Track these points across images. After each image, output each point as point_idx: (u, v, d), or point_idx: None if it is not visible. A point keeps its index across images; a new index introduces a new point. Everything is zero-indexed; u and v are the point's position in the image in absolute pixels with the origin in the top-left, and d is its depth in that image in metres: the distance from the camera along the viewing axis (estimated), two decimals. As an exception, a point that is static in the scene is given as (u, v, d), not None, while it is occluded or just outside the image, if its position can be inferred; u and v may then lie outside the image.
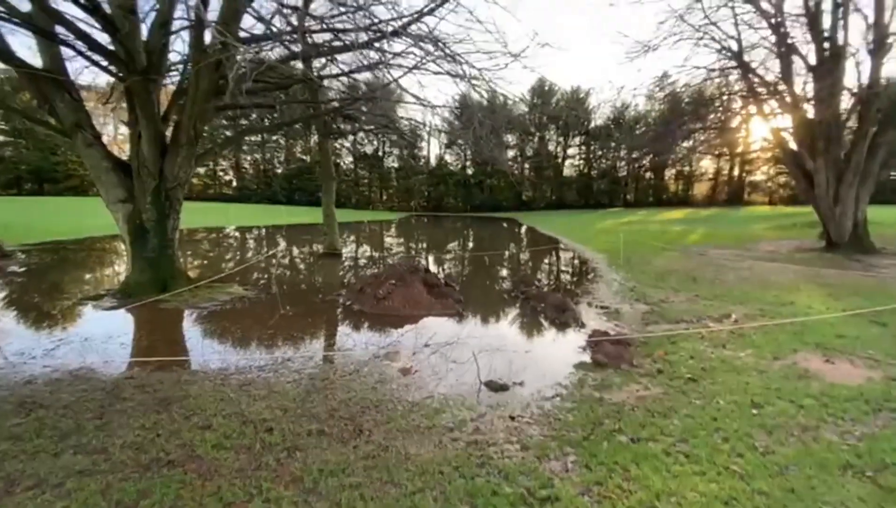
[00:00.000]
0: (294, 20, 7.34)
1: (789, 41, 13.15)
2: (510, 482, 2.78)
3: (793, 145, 14.04)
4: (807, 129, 13.19)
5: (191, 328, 6.44)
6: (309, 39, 7.38)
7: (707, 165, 49.17)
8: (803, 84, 13.67)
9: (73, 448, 3.11)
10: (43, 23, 6.90)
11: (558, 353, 5.41)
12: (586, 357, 5.08)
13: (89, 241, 16.18)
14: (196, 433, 3.33)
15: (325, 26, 7.53)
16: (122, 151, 8.65)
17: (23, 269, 10.75)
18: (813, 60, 12.98)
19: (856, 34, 15.59)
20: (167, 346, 5.61)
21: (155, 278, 7.76)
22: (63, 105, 7.39)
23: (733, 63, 14.46)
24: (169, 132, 8.13)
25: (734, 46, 14.15)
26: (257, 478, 2.78)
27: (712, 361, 4.87)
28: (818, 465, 2.94)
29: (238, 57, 5.76)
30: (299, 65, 10.13)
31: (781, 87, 13.78)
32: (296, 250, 16.51)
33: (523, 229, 28.32)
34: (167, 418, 3.56)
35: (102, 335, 5.85)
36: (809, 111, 13.34)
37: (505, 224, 33.50)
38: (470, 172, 52.46)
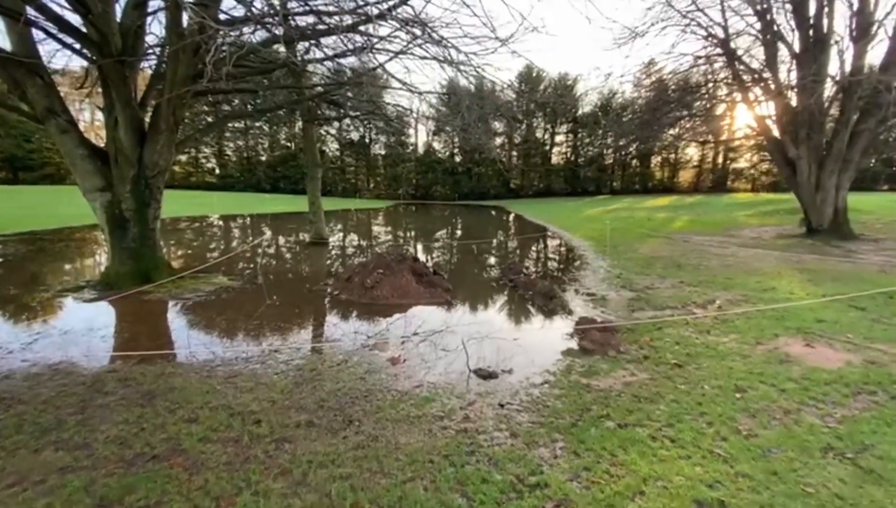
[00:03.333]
0: (276, 1, 7.12)
1: (775, 28, 13.22)
2: (500, 469, 2.80)
3: (776, 133, 14.22)
4: (790, 117, 13.35)
5: (175, 320, 6.33)
6: (292, 22, 7.17)
7: (692, 152, 49.64)
8: (788, 72, 13.81)
9: (54, 444, 3.04)
10: (9, 3, 6.56)
11: (546, 340, 5.45)
12: (574, 344, 5.13)
13: (67, 231, 15.74)
14: (182, 426, 3.27)
15: (308, 8, 7.32)
16: (100, 137, 8.37)
17: (-2, 260, 10.42)
18: (798, 48, 13.09)
19: (840, 21, 15.71)
20: (150, 338, 5.50)
21: (136, 269, 7.59)
22: (34, 90, 7.08)
23: (719, 50, 14.51)
24: (147, 118, 7.88)
25: (720, 33, 14.20)
26: (245, 471, 2.75)
27: (697, 347, 4.96)
28: (800, 447, 3.02)
29: (217, 40, 5.56)
30: (282, 49, 9.86)
31: (766, 74, 13.89)
32: (282, 239, 16.30)
33: (511, 217, 28.36)
34: (151, 411, 3.50)
35: (83, 327, 5.71)
36: (793, 99, 13.49)
37: (493, 212, 33.50)
38: (458, 159, 52.18)
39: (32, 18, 6.77)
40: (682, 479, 2.68)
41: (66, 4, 6.77)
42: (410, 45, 7.47)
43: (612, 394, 3.83)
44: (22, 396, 3.76)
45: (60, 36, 7.17)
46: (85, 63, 8.63)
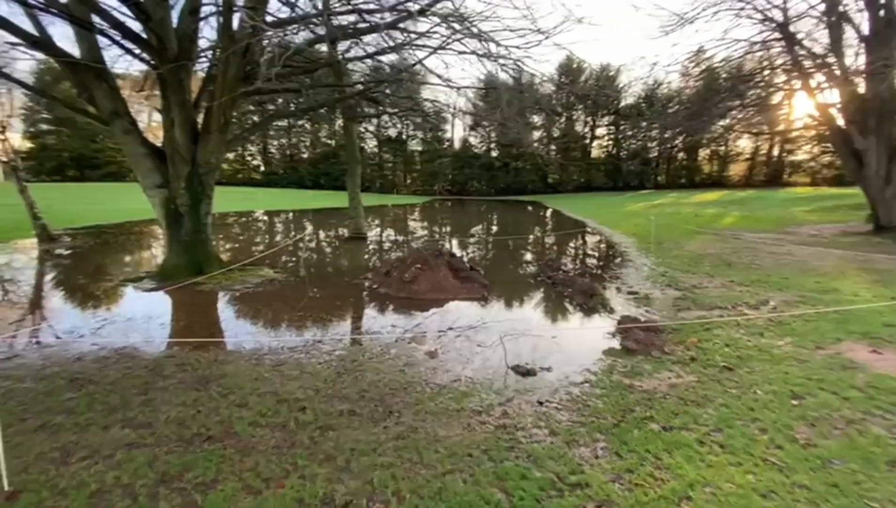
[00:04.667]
0: (319, 2, 7.30)
1: (841, 9, 12.24)
2: (539, 466, 2.78)
3: (841, 123, 13.21)
4: (857, 105, 12.35)
5: (225, 310, 6.67)
6: (334, 21, 7.33)
7: (744, 144, 46.85)
8: (855, 56, 12.76)
9: (121, 422, 3.29)
10: (79, 12, 7.08)
11: (586, 339, 5.34)
12: (615, 343, 5.00)
13: (127, 225, 16.87)
14: (233, 410, 3.46)
15: (350, 7, 7.46)
16: (156, 137, 8.89)
17: (68, 252, 11.32)
18: (866, 30, 12.07)
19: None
20: (203, 327, 5.83)
21: (190, 262, 8.03)
22: (101, 94, 7.62)
23: (777, 35, 13.58)
24: (200, 119, 8.31)
25: (778, 16, 13.27)
26: (293, 455, 2.88)
27: (749, 349, 4.71)
28: (864, 459, 2.82)
29: (265, 42, 5.79)
30: (323, 48, 10.11)
31: (830, 59, 12.89)
32: (322, 234, 16.78)
33: (549, 213, 27.89)
34: (206, 395, 3.71)
35: (143, 315, 6.13)
36: (861, 86, 12.47)
37: (530, 208, 33.06)
38: (494, 154, 51.72)
39: (99, 26, 7.29)
40: (732, 487, 2.57)
41: (129, 12, 7.24)
42: (450, 41, 7.48)
43: (656, 396, 3.71)
44: (92, 377, 4.09)
45: (123, 42, 7.67)
46: (144, 67, 9.20)
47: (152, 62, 7.82)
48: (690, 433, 3.14)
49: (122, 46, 7.82)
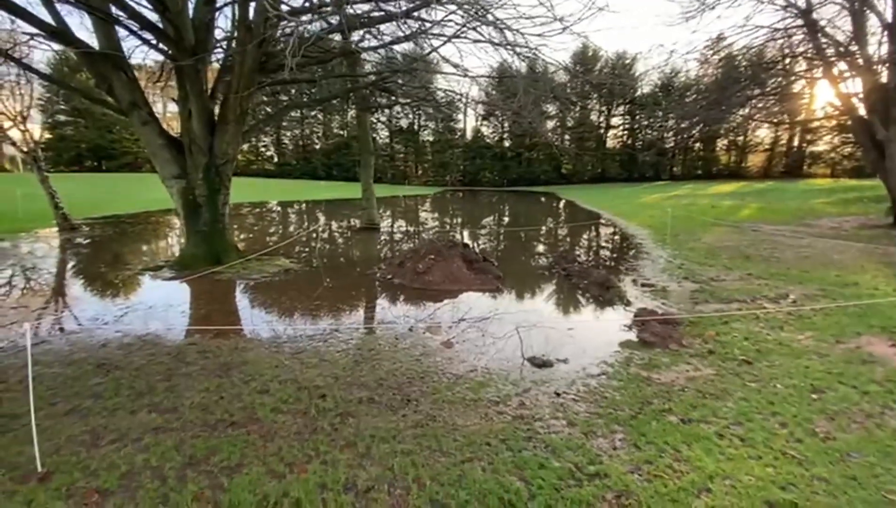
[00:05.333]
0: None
1: (866, -5, 11.83)
2: (557, 456, 2.81)
3: (863, 112, 12.82)
4: (880, 94, 11.97)
5: (243, 299, 6.78)
6: (350, 10, 7.30)
7: (763, 134, 45.75)
8: (878, 44, 12.33)
9: (147, 407, 3.39)
10: (97, 2, 7.15)
11: (602, 331, 5.33)
12: (632, 336, 4.98)
13: (145, 215, 17.16)
14: (255, 396, 3.54)
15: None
16: (172, 128, 8.99)
17: (88, 241, 11.56)
18: (890, 17, 11.65)
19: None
20: (223, 315, 5.94)
21: (208, 251, 8.16)
22: (120, 84, 7.71)
23: (799, 22, 13.18)
24: (216, 109, 8.37)
25: (801, 3, 12.87)
26: (314, 441, 2.94)
27: (768, 343, 4.67)
28: (883, 453, 2.80)
29: (279, 32, 5.77)
30: (337, 38, 10.06)
31: (853, 47, 12.49)
32: (335, 225, 16.88)
33: (562, 204, 27.66)
34: (228, 382, 3.80)
35: (163, 303, 6.26)
36: (884, 74, 12.07)
37: (543, 199, 32.82)
38: (507, 144, 51.29)
39: (116, 16, 7.36)
40: (751, 479, 2.57)
41: (146, 3, 7.29)
42: (464, 29, 7.39)
43: (674, 389, 3.71)
44: (118, 363, 4.20)
45: (141, 33, 7.74)
46: (160, 58, 9.27)
47: (169, 53, 7.88)
48: (709, 425, 3.14)
49: (139, 37, 7.88)
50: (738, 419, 3.21)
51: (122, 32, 7.76)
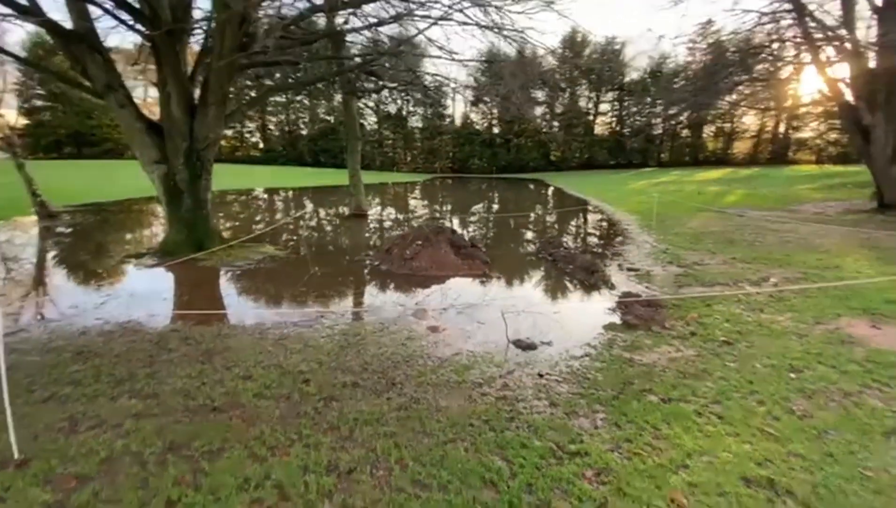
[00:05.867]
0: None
1: (855, -22, 11.85)
2: (539, 436, 2.83)
3: (849, 98, 12.95)
4: (867, 79, 12.08)
5: (227, 285, 6.69)
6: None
7: (750, 121, 46.05)
8: (867, 29, 12.41)
9: (127, 393, 3.34)
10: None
11: (587, 314, 5.37)
12: (616, 319, 5.03)
13: (127, 202, 16.79)
14: (238, 382, 3.50)
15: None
16: (153, 113, 8.74)
17: (69, 229, 11.30)
18: (879, 1, 11.70)
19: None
20: (206, 302, 5.86)
21: (191, 238, 8.02)
22: (95, 66, 7.45)
23: (788, 6, 13.17)
24: (197, 93, 8.15)
25: (790, -15, 12.85)
26: (297, 425, 2.93)
27: (749, 324, 4.74)
28: (859, 430, 2.87)
29: (261, 11, 5.62)
30: (322, 19, 9.83)
31: (842, 31, 12.54)
32: (323, 212, 16.71)
33: (550, 191, 27.70)
34: (210, 368, 3.76)
35: (146, 290, 6.16)
36: (872, 59, 12.16)
37: (531, 186, 32.81)
38: (496, 131, 51.02)
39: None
40: (729, 455, 2.62)
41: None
42: (451, 10, 7.27)
43: (655, 369, 3.75)
44: (98, 350, 4.13)
45: (116, 12, 7.47)
46: (137, 40, 8.99)
47: (146, 33, 7.62)
48: (689, 404, 3.19)
49: (114, 16, 7.62)
50: (717, 398, 3.26)
51: (96, 12, 7.49)
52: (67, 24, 7.42)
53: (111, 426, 2.93)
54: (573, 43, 45.67)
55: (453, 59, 8.28)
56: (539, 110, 48.09)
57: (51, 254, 8.83)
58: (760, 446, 2.72)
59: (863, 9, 12.19)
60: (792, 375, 3.62)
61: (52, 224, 11.66)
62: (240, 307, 5.66)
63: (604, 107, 51.92)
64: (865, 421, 2.97)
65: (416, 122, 53.69)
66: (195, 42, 9.54)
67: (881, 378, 3.52)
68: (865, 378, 3.55)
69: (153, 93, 8.73)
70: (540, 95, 45.42)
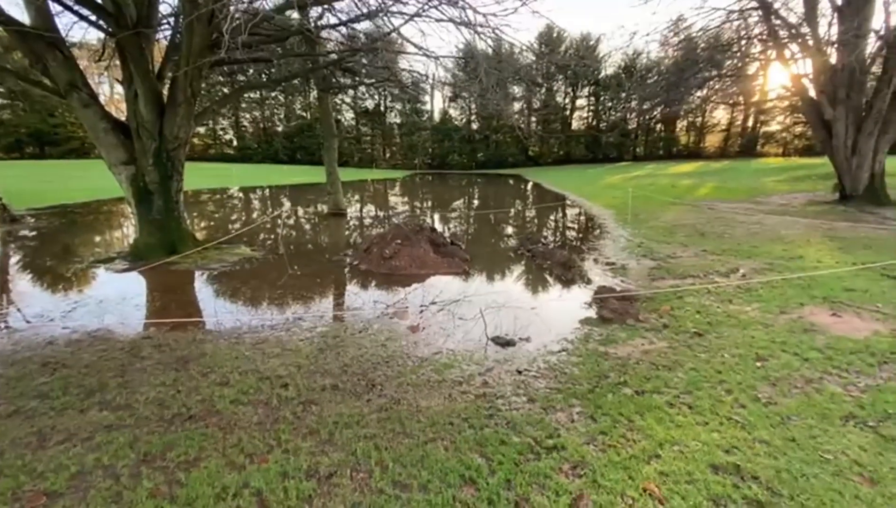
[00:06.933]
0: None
1: (816, -23, 12.28)
2: (518, 432, 2.88)
3: (812, 93, 13.44)
4: (828, 75, 12.56)
5: (202, 289, 6.55)
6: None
7: (720, 115, 47.45)
8: (828, 26, 12.88)
9: (98, 405, 3.25)
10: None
11: (564, 309, 5.46)
12: (592, 313, 5.13)
13: (95, 204, 16.22)
14: (214, 389, 3.45)
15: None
16: (121, 111, 8.46)
17: (33, 233, 10.86)
18: (840, 0, 12.17)
19: (888, -32, 14.45)
20: (180, 307, 5.73)
21: (163, 241, 7.82)
22: (56, 64, 7.15)
23: (755, 3, 13.59)
24: (165, 91, 7.92)
25: (756, -16, 13.24)
26: (276, 431, 2.90)
27: (718, 315, 4.91)
28: (820, 415, 3.01)
29: (231, 7, 5.47)
30: (295, 15, 9.64)
31: (805, 29, 13.00)
32: (300, 211, 16.48)
33: (529, 186, 27.95)
34: (186, 375, 3.69)
35: (116, 296, 5.97)
36: (833, 56, 12.65)
37: (511, 181, 33.02)
38: (475, 126, 51.15)
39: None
40: (698, 444, 2.72)
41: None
42: (426, 7, 7.23)
43: (629, 362, 3.86)
44: (66, 360, 4.00)
45: (77, 8, 7.18)
46: (102, 35, 8.64)
47: (109, 29, 7.35)
48: (661, 396, 3.29)
49: (75, 13, 7.32)
50: (687, 389, 3.38)
51: (57, 7, 7.19)
52: (26, 19, 7.11)
53: (81, 439, 2.85)
54: (549, 39, 46.00)
55: (428, 56, 8.24)
56: (517, 106, 48.37)
57: (14, 260, 8.47)
58: (728, 433, 2.83)
59: (825, 6, 12.66)
60: (758, 364, 3.77)
61: (14, 228, 11.18)
62: (216, 312, 5.55)
63: (580, 102, 52.71)
64: (825, 406, 3.12)
65: (394, 117, 53.40)
66: (163, 37, 9.27)
67: (840, 365, 3.70)
68: (826, 365, 3.72)
69: (119, 89, 8.43)
70: (517, 90, 45.67)
